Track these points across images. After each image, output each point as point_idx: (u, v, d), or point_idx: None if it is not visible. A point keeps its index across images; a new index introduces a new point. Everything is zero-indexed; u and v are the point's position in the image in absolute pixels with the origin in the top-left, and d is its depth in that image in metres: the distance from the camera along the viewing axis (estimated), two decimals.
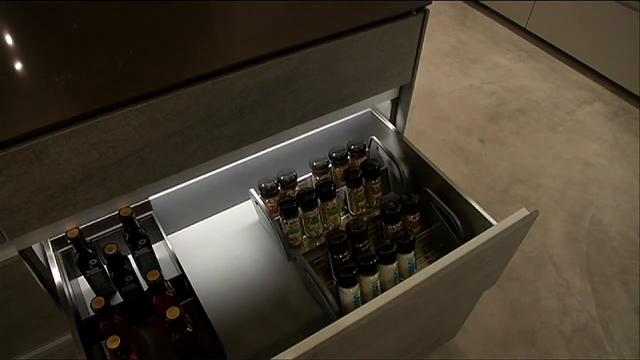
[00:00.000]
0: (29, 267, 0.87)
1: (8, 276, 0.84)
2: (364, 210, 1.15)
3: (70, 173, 0.74)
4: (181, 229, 1.18)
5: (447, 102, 2.20)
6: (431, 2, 0.94)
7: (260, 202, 1.08)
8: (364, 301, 0.92)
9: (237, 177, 1.13)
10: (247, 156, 0.99)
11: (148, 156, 0.80)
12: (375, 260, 0.94)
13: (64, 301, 0.85)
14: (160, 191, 0.95)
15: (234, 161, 0.97)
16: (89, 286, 0.98)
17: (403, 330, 0.88)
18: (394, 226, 1.08)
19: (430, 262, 0.96)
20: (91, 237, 0.98)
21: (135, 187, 0.83)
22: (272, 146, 1.00)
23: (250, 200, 1.19)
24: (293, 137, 1.03)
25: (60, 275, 0.89)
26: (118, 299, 1.00)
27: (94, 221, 0.94)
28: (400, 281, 0.81)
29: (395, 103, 1.15)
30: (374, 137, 1.18)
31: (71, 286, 0.92)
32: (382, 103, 1.15)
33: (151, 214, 1.05)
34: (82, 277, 0.95)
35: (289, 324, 1.02)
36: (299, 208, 1.05)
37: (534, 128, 2.08)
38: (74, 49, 0.82)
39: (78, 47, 0.83)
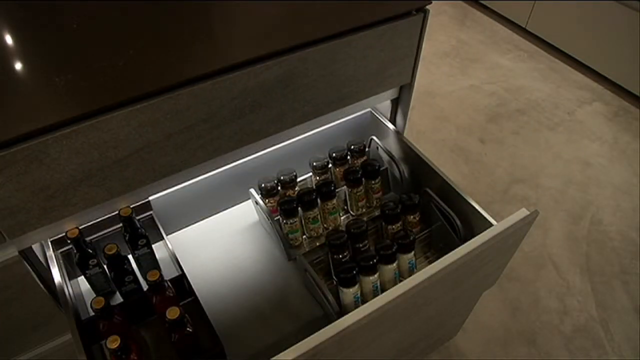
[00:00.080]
0: (29, 267, 0.87)
1: (8, 276, 0.84)
2: (364, 210, 1.15)
3: (70, 173, 0.74)
4: (181, 229, 1.18)
5: (447, 102, 2.20)
6: (431, 2, 0.94)
7: (260, 202, 1.08)
8: (364, 301, 0.92)
9: (237, 177, 1.13)
10: (247, 156, 0.99)
11: (148, 156, 0.80)
12: (375, 260, 0.94)
13: (64, 301, 0.85)
14: (160, 191, 0.95)
15: (234, 161, 0.97)
16: (89, 286, 0.98)
17: (403, 330, 0.88)
18: (394, 226, 1.08)
19: (430, 262, 0.96)
20: (91, 237, 0.98)
21: (135, 187, 0.83)
22: (272, 146, 1.00)
23: (250, 200, 1.19)
24: (293, 137, 1.03)
25: (60, 275, 0.89)
26: (118, 299, 1.00)
27: (94, 221, 0.94)
28: (400, 281, 0.81)
29: (395, 103, 1.15)
30: (374, 137, 1.18)
31: (71, 286, 0.92)
32: (382, 103, 1.15)
33: (151, 214, 1.05)
34: (82, 277, 0.95)
35: (289, 324, 1.02)
36: (299, 208, 1.05)
37: (534, 128, 2.08)
38: (74, 49, 0.82)
39: (78, 47, 0.83)
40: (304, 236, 1.11)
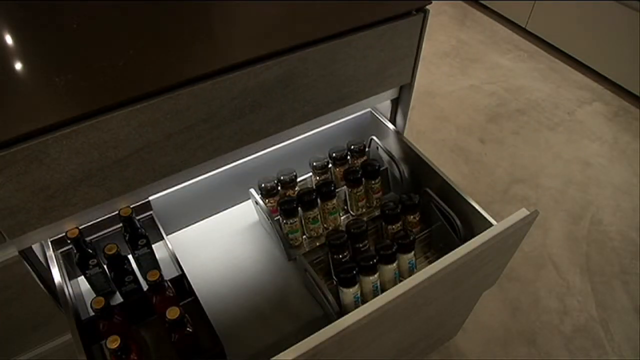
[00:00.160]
0: (29, 267, 0.87)
1: (8, 276, 0.84)
2: (364, 210, 1.15)
3: (70, 173, 0.74)
4: (181, 229, 1.18)
5: (447, 102, 2.20)
6: (431, 2, 0.94)
7: (260, 202, 1.08)
8: (364, 301, 0.92)
9: (237, 177, 1.13)
10: (247, 156, 0.99)
11: (148, 156, 0.80)
12: (375, 260, 0.94)
13: (64, 301, 0.85)
14: (160, 191, 0.95)
15: (234, 161, 0.97)
16: (89, 286, 0.98)
17: (403, 330, 0.88)
18: (394, 226, 1.08)
19: (430, 262, 0.96)
20: (91, 237, 0.98)
21: (135, 187, 0.83)
22: (272, 146, 1.00)
23: (250, 200, 1.19)
24: (293, 137, 1.03)
25: (60, 275, 0.89)
26: (118, 299, 1.00)
27: (94, 221, 0.94)
28: (400, 281, 0.81)
29: (395, 103, 1.15)
30: (374, 137, 1.18)
31: (71, 286, 0.92)
32: (382, 103, 1.15)
33: (151, 214, 1.05)
34: (82, 277, 0.95)
35: (289, 324, 1.02)
36: (299, 208, 1.05)
37: (534, 128, 2.08)
38: (74, 49, 0.82)
39: (78, 47, 0.83)
40: (304, 236, 1.11)
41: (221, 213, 1.21)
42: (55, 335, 1.04)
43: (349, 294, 0.93)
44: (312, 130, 1.06)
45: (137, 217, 0.98)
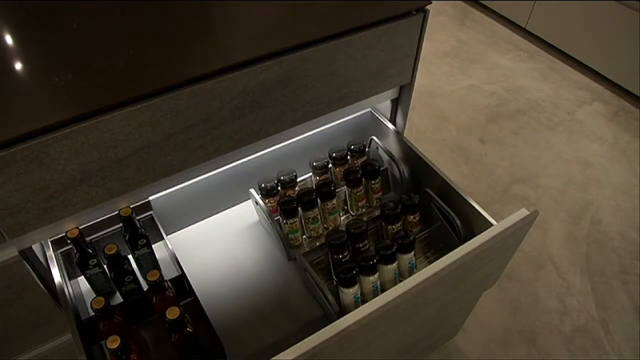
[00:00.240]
0: (29, 267, 0.87)
1: (8, 276, 0.84)
2: (364, 210, 1.15)
3: (70, 173, 0.74)
4: (181, 229, 1.18)
5: (447, 102, 2.20)
6: (431, 2, 0.94)
7: (260, 202, 1.08)
8: (364, 301, 0.92)
9: (237, 177, 1.13)
10: (247, 156, 0.99)
11: (148, 156, 0.80)
12: (375, 260, 0.94)
13: (64, 301, 0.85)
14: (160, 191, 0.95)
15: (234, 161, 0.97)
16: (89, 286, 0.98)
17: (403, 330, 0.88)
18: (394, 226, 1.08)
19: (430, 262, 0.96)
20: (91, 237, 0.98)
21: (135, 187, 0.83)
22: (272, 146, 1.00)
23: (250, 200, 1.19)
24: (293, 137, 1.03)
25: (60, 275, 0.89)
26: (118, 299, 1.00)
27: (94, 221, 0.94)
28: (400, 281, 0.81)
29: (395, 103, 1.15)
30: (374, 137, 1.18)
31: (71, 286, 0.92)
32: (382, 103, 1.15)
33: (151, 214, 1.05)
34: (82, 277, 0.95)
35: (289, 324, 1.02)
36: (299, 208, 1.05)
37: (534, 128, 2.08)
38: (74, 49, 0.82)
39: (78, 47, 0.83)
40: (304, 236, 1.11)
41: (221, 213, 1.21)
42: (55, 335, 1.04)
43: (349, 294, 0.93)
44: (312, 130, 1.06)
45: (137, 217, 0.98)
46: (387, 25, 0.91)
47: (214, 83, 0.78)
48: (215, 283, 1.08)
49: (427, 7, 0.94)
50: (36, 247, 0.91)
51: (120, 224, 0.95)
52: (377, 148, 1.18)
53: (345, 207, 1.16)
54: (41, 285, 0.90)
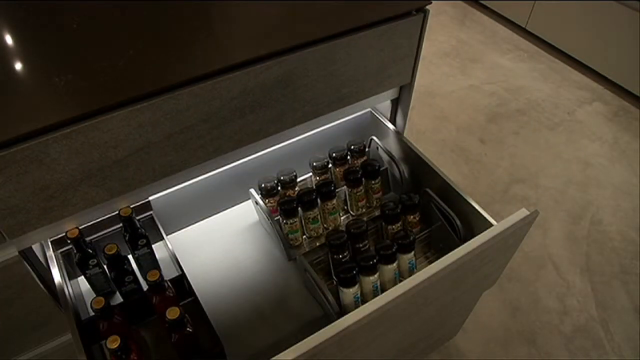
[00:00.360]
0: (29, 267, 0.87)
1: (8, 276, 0.84)
2: (364, 210, 1.15)
3: (70, 173, 0.74)
4: (181, 229, 1.18)
5: (447, 102, 2.20)
6: (431, 2, 0.94)
7: (260, 202, 1.08)
8: (364, 301, 0.92)
9: (237, 177, 1.13)
10: (247, 156, 0.99)
11: (148, 156, 0.80)
12: (375, 260, 0.94)
13: (64, 301, 0.85)
14: (160, 191, 0.95)
15: (234, 161, 0.97)
16: (89, 286, 0.98)
17: (403, 331, 0.88)
18: (394, 226, 1.08)
19: (430, 262, 0.96)
20: (91, 237, 0.98)
21: (135, 187, 0.83)
22: (272, 146, 1.00)
23: (250, 200, 1.19)
24: (293, 137, 1.03)
25: (60, 275, 0.89)
26: (118, 299, 1.00)
27: (94, 221, 0.94)
28: (400, 281, 0.81)
29: (395, 103, 1.15)
30: (374, 137, 1.18)
31: (71, 286, 0.92)
32: (382, 103, 1.15)
33: (151, 214, 1.05)
34: (82, 277, 0.95)
35: (289, 324, 1.02)
36: (299, 208, 1.05)
37: (534, 128, 2.08)
38: (74, 49, 0.82)
39: (78, 47, 0.83)
40: (304, 236, 1.11)
41: (221, 213, 1.21)
42: (55, 335, 1.04)
43: (349, 294, 0.93)
44: (312, 130, 1.06)
45: (137, 217, 0.98)
46: (387, 25, 0.91)
47: (214, 83, 0.78)
48: (215, 283, 1.08)
49: (427, 7, 0.94)
50: (36, 247, 0.91)
51: (120, 224, 0.95)
52: (377, 148, 1.18)
53: (345, 207, 1.16)
54: (41, 285, 0.90)
